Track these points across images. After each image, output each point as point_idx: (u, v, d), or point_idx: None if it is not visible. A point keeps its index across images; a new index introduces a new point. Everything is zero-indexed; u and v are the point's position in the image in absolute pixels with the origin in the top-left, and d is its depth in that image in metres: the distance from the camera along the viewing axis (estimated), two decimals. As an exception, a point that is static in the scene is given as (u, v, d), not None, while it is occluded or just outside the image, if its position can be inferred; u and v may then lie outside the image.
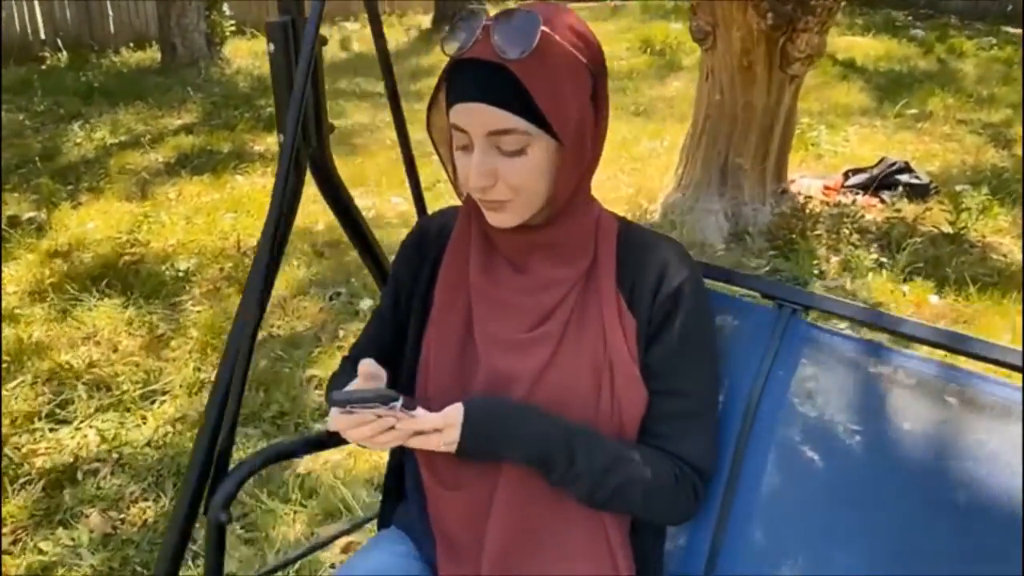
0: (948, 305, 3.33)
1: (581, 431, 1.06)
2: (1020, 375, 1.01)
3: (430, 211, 1.33)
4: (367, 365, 1.04)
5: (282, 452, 1.23)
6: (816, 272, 3.54)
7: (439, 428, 1.02)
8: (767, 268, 3.58)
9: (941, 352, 1.09)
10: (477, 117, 0.99)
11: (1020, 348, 1.02)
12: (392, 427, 1.01)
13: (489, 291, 1.13)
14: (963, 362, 1.06)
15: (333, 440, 1.24)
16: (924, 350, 1.11)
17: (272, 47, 1.26)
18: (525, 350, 1.09)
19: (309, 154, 1.33)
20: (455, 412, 1.03)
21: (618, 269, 1.12)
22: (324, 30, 1.23)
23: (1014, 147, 5.46)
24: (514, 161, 1.01)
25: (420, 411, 1.02)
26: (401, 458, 1.24)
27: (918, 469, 1.04)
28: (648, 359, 1.09)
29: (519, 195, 1.04)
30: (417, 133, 1.40)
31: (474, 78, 0.99)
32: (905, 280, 3.50)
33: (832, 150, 5.36)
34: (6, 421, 2.62)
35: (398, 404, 0.99)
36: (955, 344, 1.04)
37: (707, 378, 1.12)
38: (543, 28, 0.97)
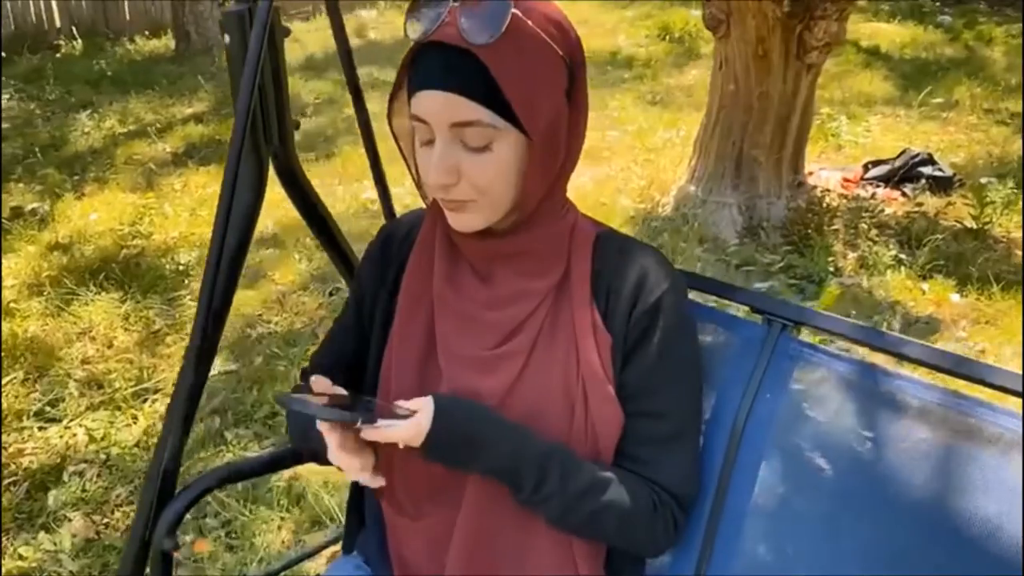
0: (970, 304, 3.20)
1: (556, 449, 0.97)
2: (1021, 400, 0.91)
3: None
4: (319, 383, 0.97)
5: (229, 475, 1.15)
6: (832, 269, 3.41)
7: (406, 439, 0.93)
8: (781, 264, 3.46)
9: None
10: (439, 106, 0.90)
11: (1020, 372, 0.93)
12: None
13: (453, 303, 1.04)
14: (973, 388, 0.96)
15: (285, 461, 1.16)
16: (923, 372, 1.01)
17: (228, 38, 1.17)
18: (490, 368, 1.01)
19: (271, 152, 1.25)
20: (424, 418, 0.93)
21: (593, 280, 1.02)
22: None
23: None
24: (479, 158, 0.92)
25: (382, 422, 0.93)
26: (362, 485, 1.15)
27: (915, 502, 0.95)
28: (624, 378, 1.00)
29: (483, 196, 0.95)
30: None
31: (438, 64, 0.90)
32: (925, 278, 3.37)
33: (853, 141, 5.20)
34: (-5, 419, 2.57)
35: (357, 423, 0.90)
36: (954, 367, 0.94)
37: (688, 398, 1.03)
38: (514, 11, 0.88)
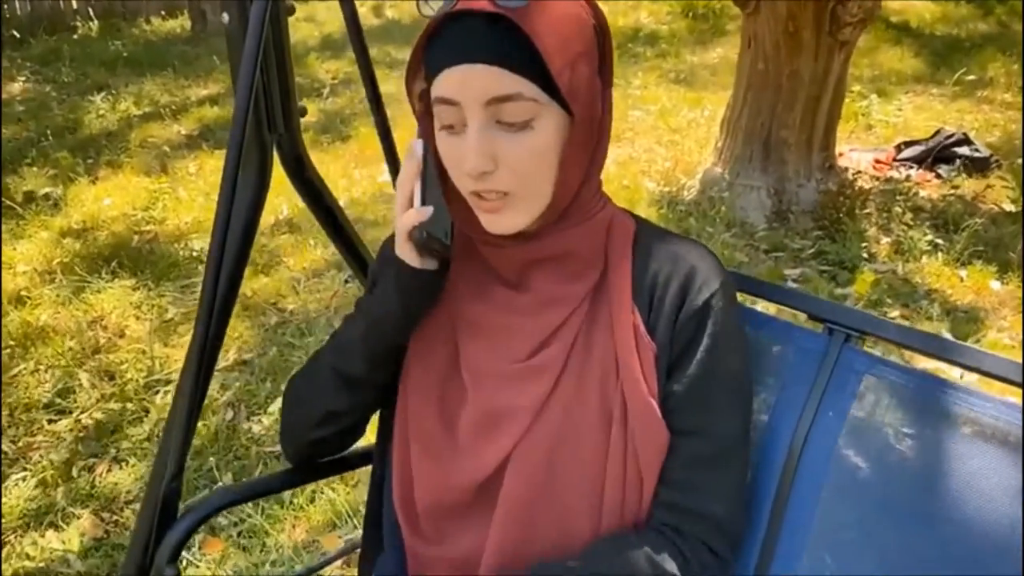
0: (1010, 292, 3.07)
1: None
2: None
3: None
4: None
5: (234, 499, 1.06)
6: (865, 255, 3.28)
7: None
8: (812, 249, 3.34)
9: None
10: (472, 82, 0.81)
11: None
12: None
13: (477, 314, 0.95)
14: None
15: (292, 480, 1.07)
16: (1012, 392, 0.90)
17: (227, 17, 1.07)
18: (521, 382, 0.91)
19: (275, 141, 1.15)
20: None
21: (634, 281, 0.92)
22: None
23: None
24: (518, 138, 0.83)
25: None
26: (379, 506, 1.06)
27: (994, 531, 0.84)
28: (669, 390, 0.90)
29: (523, 184, 0.85)
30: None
31: (466, 35, 0.80)
32: (964, 264, 3.23)
33: (884, 120, 5.03)
34: (5, 412, 2.50)
35: None
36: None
37: (739, 416, 0.93)
38: None
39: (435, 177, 0.90)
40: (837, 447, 0.92)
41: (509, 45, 0.79)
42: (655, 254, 0.94)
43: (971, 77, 5.81)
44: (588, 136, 0.87)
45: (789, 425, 0.94)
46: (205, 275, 1.05)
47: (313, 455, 1.05)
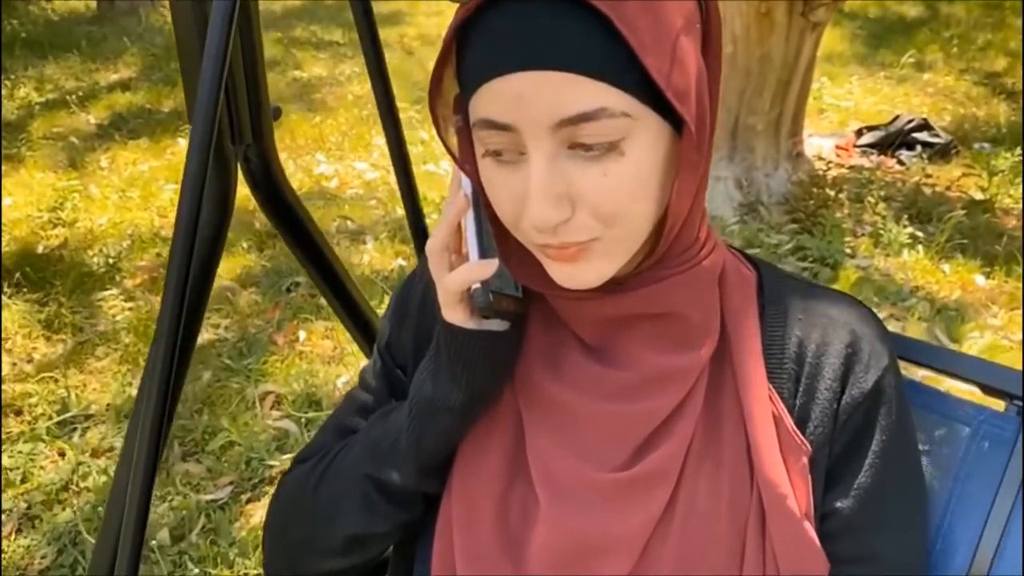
0: (997, 287, 2.93)
1: None
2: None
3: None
4: None
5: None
6: (847, 250, 3.11)
7: None
8: (790, 245, 3.15)
9: None
10: (534, 97, 0.54)
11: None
12: None
13: (548, 389, 0.68)
14: None
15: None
16: None
17: (173, -13, 0.77)
18: (621, 500, 0.65)
19: (241, 153, 0.85)
20: None
21: (767, 353, 0.67)
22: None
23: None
24: (602, 166, 0.56)
25: None
26: None
27: None
28: (831, 507, 0.66)
29: (612, 227, 0.59)
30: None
31: (519, 28, 0.53)
32: (945, 257, 3.08)
33: (835, 104, 4.93)
34: None
35: None
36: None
37: (918, 530, 0.69)
38: None
39: (487, 217, 0.64)
40: (1041, 570, 0.69)
41: (584, 39, 0.53)
42: (793, 314, 0.69)
43: (911, 59, 5.76)
44: (701, 151, 0.61)
45: (970, 536, 0.71)
46: (159, 326, 0.75)
47: None
